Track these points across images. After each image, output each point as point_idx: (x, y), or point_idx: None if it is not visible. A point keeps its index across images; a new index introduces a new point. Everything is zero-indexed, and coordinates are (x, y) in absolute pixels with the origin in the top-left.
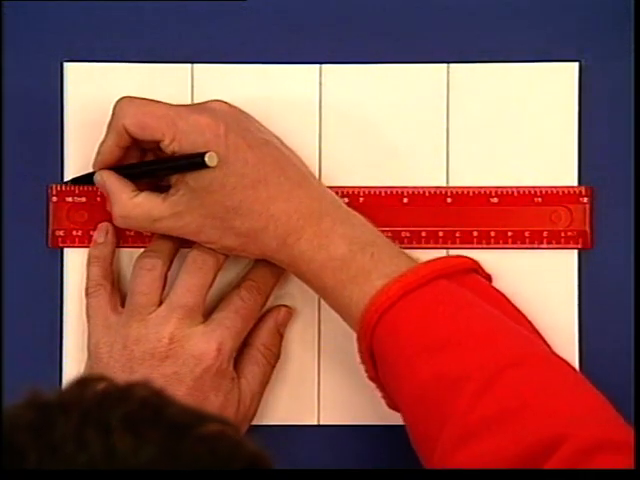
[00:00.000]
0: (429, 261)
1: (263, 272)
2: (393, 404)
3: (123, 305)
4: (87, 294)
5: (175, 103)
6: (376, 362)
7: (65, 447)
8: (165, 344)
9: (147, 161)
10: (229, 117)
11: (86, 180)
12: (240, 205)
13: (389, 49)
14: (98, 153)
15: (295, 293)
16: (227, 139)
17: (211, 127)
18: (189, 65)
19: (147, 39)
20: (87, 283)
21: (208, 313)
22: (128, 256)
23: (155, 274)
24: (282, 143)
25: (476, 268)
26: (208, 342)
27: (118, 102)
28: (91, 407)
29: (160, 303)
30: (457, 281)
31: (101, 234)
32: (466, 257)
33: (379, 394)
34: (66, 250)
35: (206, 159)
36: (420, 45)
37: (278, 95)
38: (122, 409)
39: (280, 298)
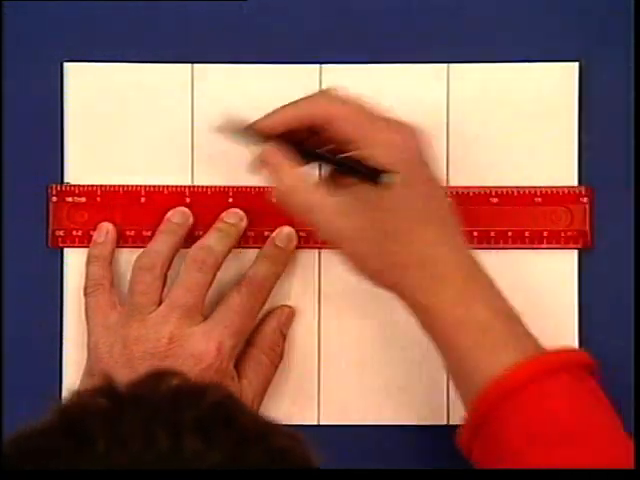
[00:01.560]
0: (557, 351)
1: (263, 271)
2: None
3: (122, 305)
4: (86, 293)
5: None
6: (479, 434)
7: (134, 442)
8: (165, 344)
9: (329, 151)
10: (417, 144)
11: (239, 133)
12: (399, 233)
13: (389, 49)
14: (275, 113)
15: (296, 293)
16: (412, 165)
17: (401, 149)
18: (189, 65)
19: (147, 39)
20: (86, 282)
21: (208, 312)
22: (128, 256)
23: (155, 274)
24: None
25: (592, 364)
26: (207, 341)
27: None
28: (163, 404)
29: (160, 303)
30: (576, 376)
31: (101, 234)
32: (584, 353)
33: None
34: (66, 250)
35: (389, 179)
36: (420, 45)
37: (278, 95)
38: (194, 411)
39: (281, 298)
